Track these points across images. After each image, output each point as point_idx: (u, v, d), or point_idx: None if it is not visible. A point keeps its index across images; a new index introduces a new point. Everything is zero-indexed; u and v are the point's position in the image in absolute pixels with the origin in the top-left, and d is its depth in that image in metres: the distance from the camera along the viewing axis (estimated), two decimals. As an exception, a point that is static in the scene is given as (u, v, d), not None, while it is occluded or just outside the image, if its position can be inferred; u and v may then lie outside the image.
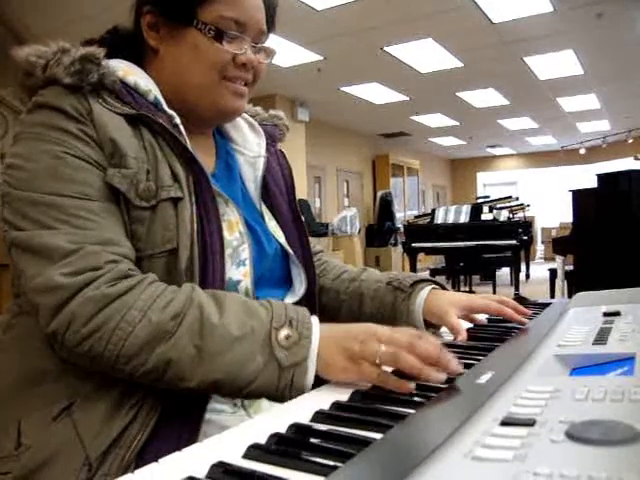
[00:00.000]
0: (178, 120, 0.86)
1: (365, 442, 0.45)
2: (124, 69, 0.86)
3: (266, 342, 0.70)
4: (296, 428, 0.51)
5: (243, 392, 0.70)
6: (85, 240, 0.72)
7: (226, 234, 0.86)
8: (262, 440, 0.48)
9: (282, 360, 0.69)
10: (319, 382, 0.71)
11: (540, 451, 0.36)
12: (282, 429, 0.51)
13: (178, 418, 0.74)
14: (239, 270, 0.87)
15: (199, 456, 0.48)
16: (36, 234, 0.72)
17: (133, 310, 0.69)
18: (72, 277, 0.70)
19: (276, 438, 0.48)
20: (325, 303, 1.10)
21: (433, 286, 1.03)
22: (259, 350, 0.69)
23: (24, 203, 0.74)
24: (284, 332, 0.71)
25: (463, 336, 0.88)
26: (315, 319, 0.74)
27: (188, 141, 0.85)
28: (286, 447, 0.47)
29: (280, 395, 0.69)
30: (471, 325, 0.99)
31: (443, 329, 0.99)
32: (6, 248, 0.76)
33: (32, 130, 0.78)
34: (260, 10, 0.92)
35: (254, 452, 0.46)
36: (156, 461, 0.47)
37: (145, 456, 0.71)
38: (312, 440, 0.48)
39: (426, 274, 7.53)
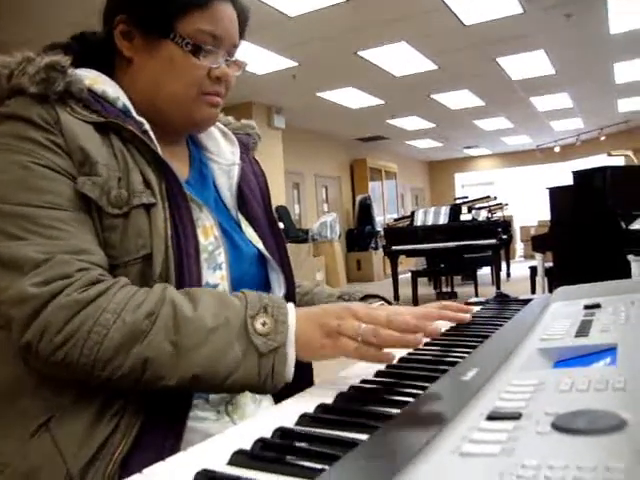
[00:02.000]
0: (148, 126, 0.86)
1: (351, 444, 0.45)
2: (91, 77, 0.86)
3: (242, 330, 0.70)
4: (281, 432, 0.50)
5: (225, 385, 0.70)
6: (56, 250, 0.71)
7: (201, 239, 0.85)
8: (247, 446, 0.47)
9: (260, 347, 0.69)
10: (302, 386, 0.71)
11: (527, 444, 0.36)
12: (267, 434, 0.50)
13: (160, 427, 0.73)
14: (216, 274, 0.87)
15: (183, 464, 0.47)
16: (5, 245, 0.71)
17: (106, 313, 0.69)
18: (42, 286, 0.69)
19: (261, 443, 0.48)
20: None
21: (381, 302, 1.06)
22: (236, 339, 0.69)
23: None
24: (260, 319, 0.71)
25: None
26: (291, 305, 0.75)
27: (159, 147, 0.84)
28: (271, 452, 0.46)
29: (262, 385, 0.69)
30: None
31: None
32: None
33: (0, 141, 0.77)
34: (235, 24, 0.92)
35: (239, 458, 0.45)
36: (140, 472, 0.46)
37: (128, 467, 0.69)
38: (298, 444, 0.48)
39: (407, 277, 7.56)
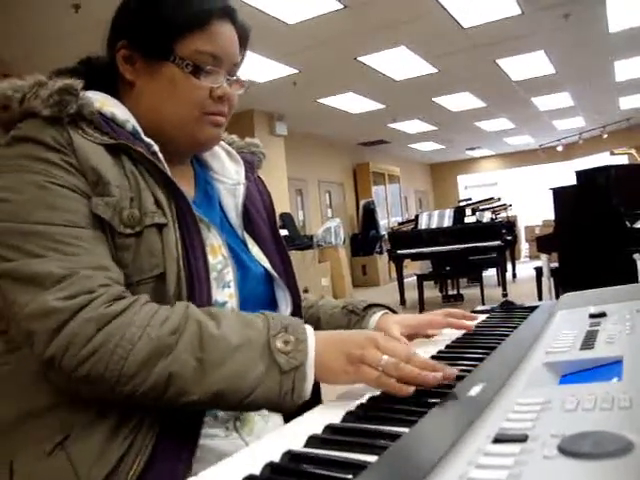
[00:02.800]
0: (156, 148, 0.87)
1: (360, 466, 0.45)
2: (100, 100, 0.87)
3: (265, 348, 0.72)
4: (290, 455, 0.50)
5: (245, 402, 0.71)
6: (77, 265, 0.72)
7: (210, 258, 0.86)
8: (257, 469, 0.48)
9: (283, 365, 0.71)
10: (310, 403, 0.72)
11: (534, 469, 0.36)
12: (276, 456, 0.50)
13: (173, 446, 0.73)
14: (224, 292, 0.88)
15: (194, 492, 0.47)
16: (26, 262, 0.72)
17: (132, 327, 0.70)
18: (67, 300, 0.69)
19: (270, 468, 0.48)
20: None
21: (385, 311, 1.07)
22: (259, 357, 0.71)
23: (11, 234, 0.73)
24: (282, 338, 0.73)
25: None
26: (309, 326, 0.76)
27: (168, 168, 0.85)
28: (281, 476, 0.47)
29: (282, 402, 0.71)
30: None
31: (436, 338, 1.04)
32: None
33: (13, 163, 0.77)
34: (235, 44, 0.93)
35: (249, 484, 0.46)
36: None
37: None
38: (307, 467, 0.48)
39: (413, 280, 7.55)
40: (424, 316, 1.06)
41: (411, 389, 0.65)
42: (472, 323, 1.04)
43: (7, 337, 0.81)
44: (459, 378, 0.68)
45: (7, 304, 0.73)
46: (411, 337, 1.02)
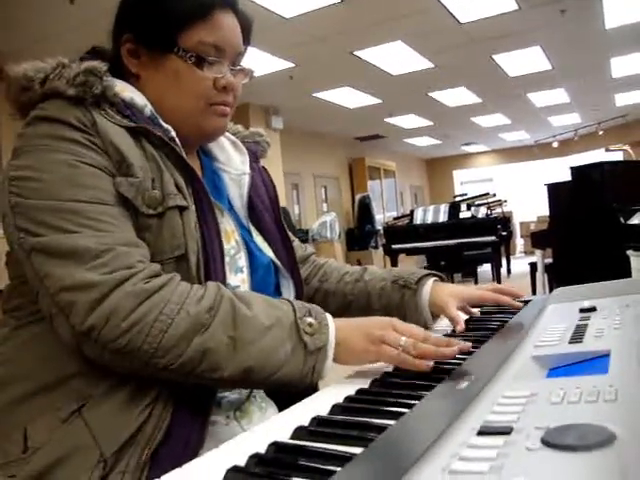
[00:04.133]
0: (174, 134, 0.88)
1: (345, 458, 0.45)
2: (120, 86, 0.88)
3: (293, 329, 0.76)
4: (276, 447, 0.50)
5: (270, 379, 0.74)
6: (113, 241, 0.74)
7: (224, 242, 0.89)
8: (242, 461, 0.48)
9: (309, 344, 0.75)
10: (306, 392, 0.73)
11: (516, 461, 0.36)
12: (263, 447, 0.50)
13: (187, 419, 0.75)
14: (237, 277, 0.91)
15: (178, 483, 0.47)
16: (60, 238, 0.73)
17: (170, 303, 0.72)
18: (108, 274, 0.71)
19: (256, 459, 0.48)
20: (333, 306, 1.14)
21: (434, 279, 1.10)
22: (287, 337, 0.75)
23: (42, 211, 0.74)
24: (307, 320, 0.77)
25: (461, 326, 0.95)
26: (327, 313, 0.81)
27: (185, 153, 0.87)
28: (266, 467, 0.47)
29: (302, 381, 0.75)
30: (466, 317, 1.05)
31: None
32: (22, 255, 0.75)
33: (39, 142, 0.78)
34: (238, 34, 0.93)
35: (233, 476, 0.46)
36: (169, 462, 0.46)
37: (159, 458, 0.71)
38: (292, 459, 0.48)
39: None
40: (476, 291, 1.07)
41: (430, 363, 0.71)
42: (519, 304, 1.07)
43: (19, 313, 0.82)
44: (448, 371, 0.68)
45: (38, 277, 0.74)
46: (460, 310, 1.03)
